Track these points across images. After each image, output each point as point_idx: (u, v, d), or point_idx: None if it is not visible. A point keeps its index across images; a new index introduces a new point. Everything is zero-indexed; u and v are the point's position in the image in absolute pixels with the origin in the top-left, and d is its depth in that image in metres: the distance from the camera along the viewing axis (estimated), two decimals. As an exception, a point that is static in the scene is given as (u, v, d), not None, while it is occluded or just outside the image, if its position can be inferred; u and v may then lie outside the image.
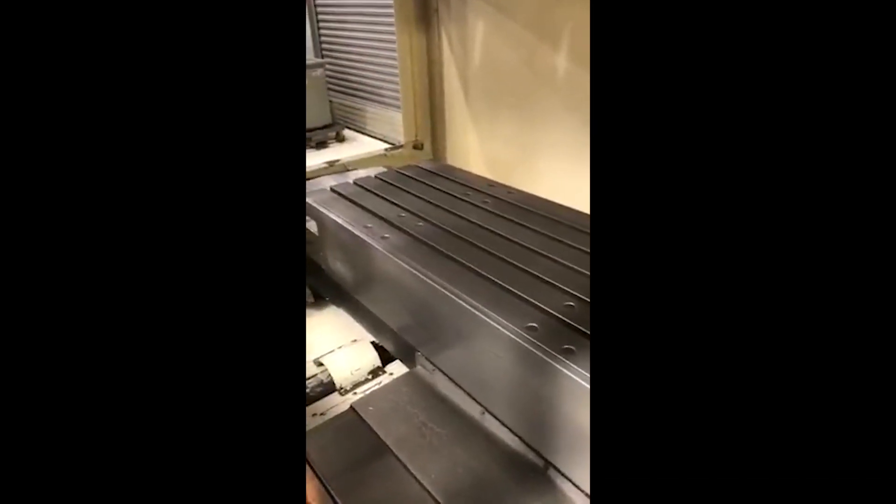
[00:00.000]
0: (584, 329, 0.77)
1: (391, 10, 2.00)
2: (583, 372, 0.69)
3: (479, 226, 1.18)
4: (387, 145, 2.26)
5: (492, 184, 1.40)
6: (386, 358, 1.33)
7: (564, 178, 1.62)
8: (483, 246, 1.08)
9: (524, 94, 1.69)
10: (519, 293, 0.89)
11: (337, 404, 1.20)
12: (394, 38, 2.03)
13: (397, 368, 1.30)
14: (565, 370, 0.71)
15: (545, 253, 1.03)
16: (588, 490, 0.82)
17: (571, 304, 0.85)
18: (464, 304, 0.90)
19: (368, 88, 2.67)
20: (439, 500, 0.91)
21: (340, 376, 1.26)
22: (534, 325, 0.80)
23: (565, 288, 0.90)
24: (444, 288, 0.94)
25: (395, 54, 2.05)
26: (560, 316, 0.81)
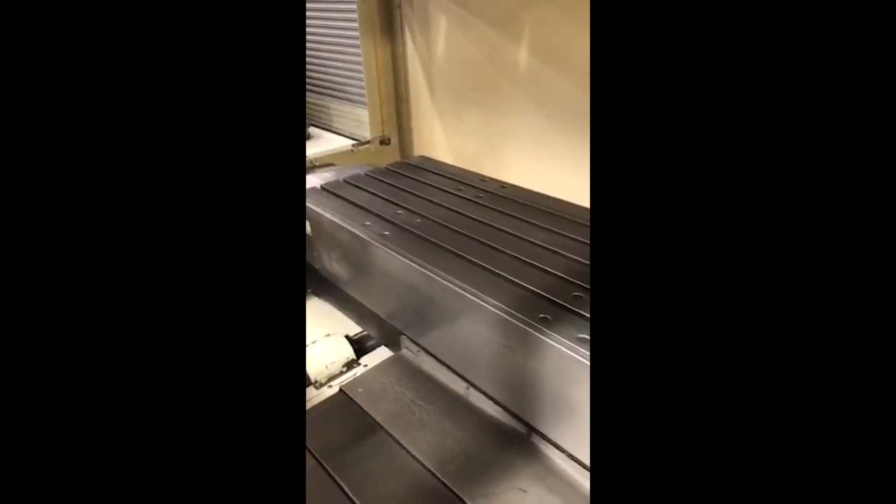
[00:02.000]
0: (559, 301, 0.85)
1: (353, 7, 2.03)
2: (561, 338, 0.77)
3: (472, 218, 1.21)
4: (353, 141, 2.30)
5: (483, 178, 1.44)
6: (359, 351, 1.37)
7: (531, 169, 1.71)
8: (474, 236, 1.13)
9: (488, 88, 1.76)
10: (500, 273, 0.96)
11: (312, 398, 1.22)
12: (357, 34, 2.06)
13: (370, 360, 1.33)
14: (544, 338, 0.79)
15: (527, 238, 1.10)
16: (569, 450, 0.91)
17: (548, 280, 0.93)
18: (449, 285, 0.97)
19: (333, 85, 2.69)
20: (431, 468, 0.97)
21: (315, 370, 1.29)
22: (513, 300, 0.88)
23: (543, 266, 0.98)
24: (434, 273, 1.00)
25: (359, 51, 2.08)
26: (537, 290, 0.89)
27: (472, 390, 1.09)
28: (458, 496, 0.92)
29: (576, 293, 0.86)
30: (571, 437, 0.88)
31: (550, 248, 1.03)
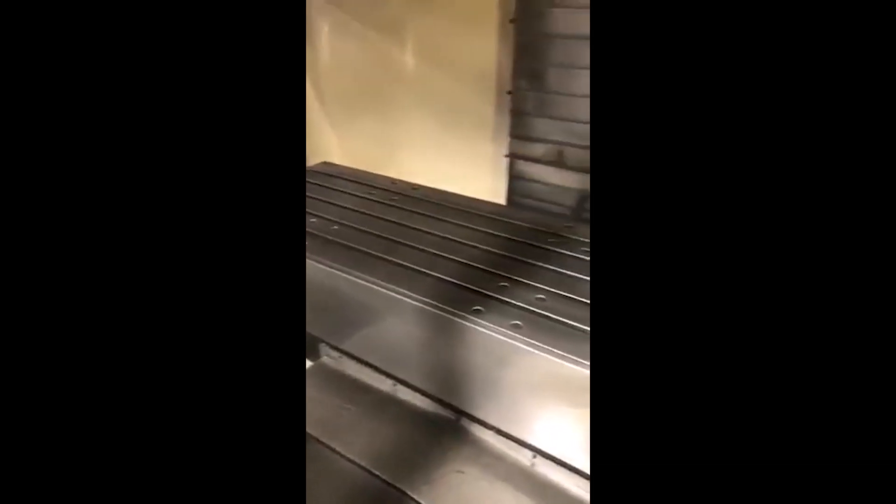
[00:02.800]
0: (487, 292, 0.92)
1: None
2: (496, 327, 0.84)
3: (388, 220, 1.22)
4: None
5: (394, 181, 1.45)
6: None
7: (429, 170, 1.77)
8: (393, 237, 1.14)
9: (379, 93, 1.80)
10: (425, 270, 1.01)
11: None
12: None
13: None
14: (477, 327, 0.85)
15: (445, 235, 1.15)
16: (499, 426, 0.99)
17: (472, 273, 1.00)
18: (375, 287, 0.99)
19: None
20: (368, 468, 0.99)
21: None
22: (440, 294, 0.94)
23: (465, 261, 1.04)
24: (358, 277, 1.01)
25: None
26: (464, 283, 0.95)
27: (399, 386, 1.13)
28: (399, 489, 0.95)
29: (502, 283, 0.94)
30: (501, 414, 0.96)
31: (468, 242, 1.10)
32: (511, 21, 1.45)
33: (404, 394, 1.13)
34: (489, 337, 0.84)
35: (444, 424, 1.07)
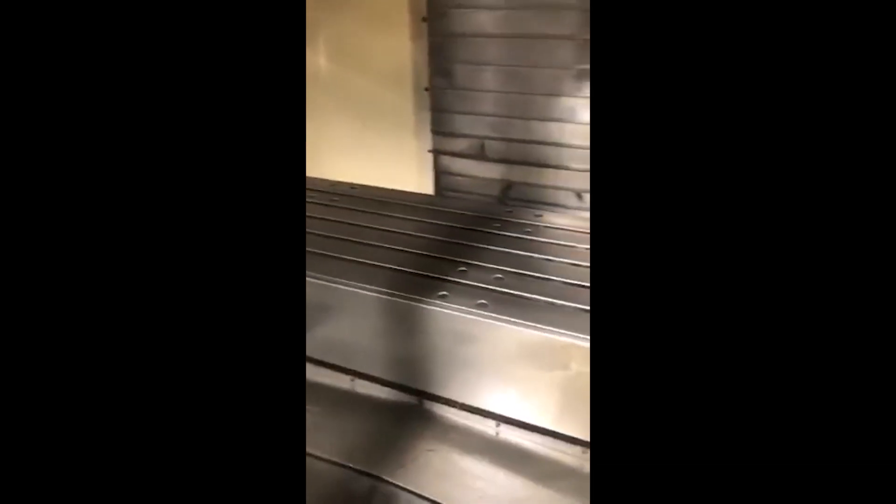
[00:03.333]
0: (449, 278, 0.98)
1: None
2: (460, 307, 0.91)
3: (334, 220, 1.22)
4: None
5: (333, 182, 1.44)
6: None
7: (351, 169, 1.78)
8: (343, 237, 1.15)
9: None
10: (381, 264, 1.05)
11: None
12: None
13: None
14: (439, 309, 0.91)
15: (392, 230, 1.18)
16: (462, 400, 1.06)
17: (429, 261, 1.05)
18: (332, 286, 1.01)
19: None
20: (341, 462, 1.01)
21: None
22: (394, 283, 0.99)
23: (417, 251, 1.08)
24: (314, 278, 1.02)
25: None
26: (424, 272, 1.01)
27: (357, 381, 1.15)
28: (375, 476, 0.99)
29: (461, 268, 1.01)
30: (466, 389, 1.03)
31: (418, 234, 1.15)
32: (423, 20, 1.50)
33: (364, 388, 1.16)
34: (459, 318, 0.90)
35: (409, 410, 1.12)
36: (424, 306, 0.93)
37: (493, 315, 0.87)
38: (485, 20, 1.38)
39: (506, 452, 1.03)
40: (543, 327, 0.84)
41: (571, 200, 1.30)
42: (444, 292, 0.93)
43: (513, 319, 0.86)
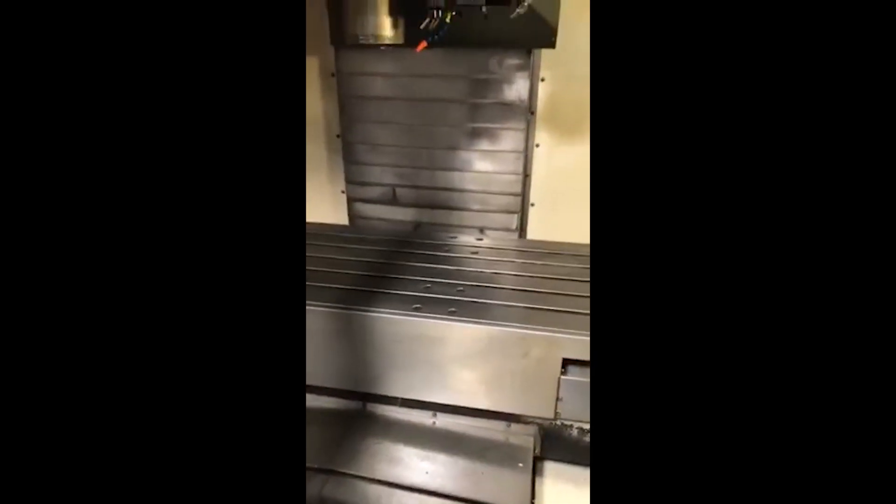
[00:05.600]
0: (419, 293, 1.17)
1: None
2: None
3: None
4: None
5: None
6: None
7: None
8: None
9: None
10: (318, 284, 1.20)
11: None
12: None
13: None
14: (420, 319, 1.08)
15: (351, 258, 1.34)
16: (404, 395, 1.20)
17: (398, 281, 1.24)
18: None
19: None
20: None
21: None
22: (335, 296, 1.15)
23: (381, 275, 1.25)
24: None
25: None
26: (398, 291, 1.19)
27: (306, 395, 1.25)
28: (329, 470, 1.09)
29: (426, 285, 1.20)
30: (414, 385, 1.18)
31: (376, 261, 1.32)
32: (332, 75, 1.59)
33: (310, 400, 1.26)
34: (433, 324, 1.08)
35: (355, 413, 1.25)
36: (404, 318, 1.10)
37: (461, 318, 1.08)
38: (384, 85, 1.51)
39: (441, 437, 1.21)
40: (503, 324, 1.07)
41: (475, 236, 1.60)
42: (418, 305, 1.12)
43: (478, 320, 1.08)
